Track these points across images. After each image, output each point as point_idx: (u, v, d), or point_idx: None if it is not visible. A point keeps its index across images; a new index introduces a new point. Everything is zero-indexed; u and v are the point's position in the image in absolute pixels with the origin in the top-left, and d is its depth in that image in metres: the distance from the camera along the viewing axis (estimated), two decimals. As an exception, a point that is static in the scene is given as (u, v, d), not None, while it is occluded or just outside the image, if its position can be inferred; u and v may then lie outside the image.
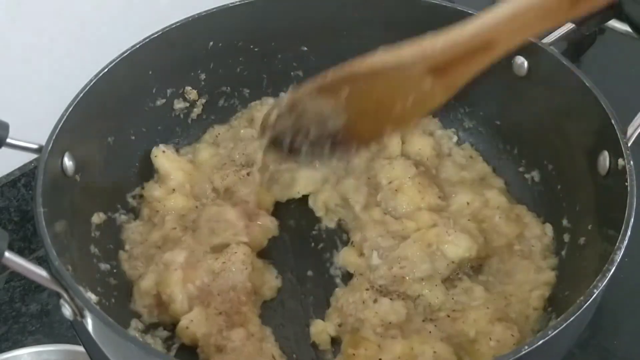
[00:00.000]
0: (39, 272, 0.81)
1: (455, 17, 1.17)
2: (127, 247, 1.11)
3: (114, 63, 1.08)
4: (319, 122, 0.95)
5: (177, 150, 1.25)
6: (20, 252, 0.88)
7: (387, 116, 0.93)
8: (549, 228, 1.10)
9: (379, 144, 0.99)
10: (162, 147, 1.19)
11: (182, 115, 1.26)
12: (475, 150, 1.26)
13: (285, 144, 0.98)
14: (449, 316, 0.99)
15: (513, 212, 1.13)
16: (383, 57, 0.91)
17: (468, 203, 1.14)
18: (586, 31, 1.09)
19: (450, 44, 0.86)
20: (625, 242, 0.83)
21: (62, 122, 0.97)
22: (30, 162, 1.30)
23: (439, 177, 1.21)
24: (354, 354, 0.94)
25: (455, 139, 1.28)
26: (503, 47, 0.85)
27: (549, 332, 0.74)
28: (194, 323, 0.98)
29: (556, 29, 1.01)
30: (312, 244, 1.16)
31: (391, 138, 0.99)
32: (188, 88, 1.25)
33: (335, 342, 1.01)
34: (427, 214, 1.11)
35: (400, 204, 1.13)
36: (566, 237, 1.06)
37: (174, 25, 1.16)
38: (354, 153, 0.99)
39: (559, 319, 0.76)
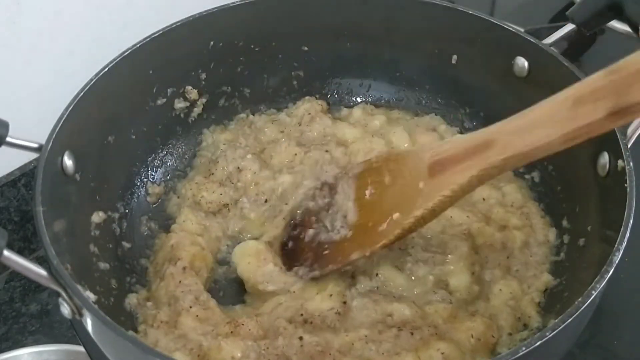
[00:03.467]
0: (37, 271, 0.81)
1: (455, 17, 1.19)
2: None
3: (114, 63, 1.08)
4: (333, 219, 1.06)
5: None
6: (20, 252, 0.87)
7: (375, 231, 0.99)
8: (552, 234, 1.09)
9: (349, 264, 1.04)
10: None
11: (182, 115, 1.26)
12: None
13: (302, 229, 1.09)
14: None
15: (523, 212, 1.13)
16: (406, 150, 1.09)
17: (484, 199, 1.14)
18: (587, 32, 1.09)
19: (454, 141, 0.97)
20: (624, 244, 0.83)
21: (62, 121, 0.97)
22: (30, 162, 1.30)
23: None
24: None
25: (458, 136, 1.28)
26: (498, 151, 0.87)
27: (547, 333, 0.74)
28: None
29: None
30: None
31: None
32: (188, 87, 1.24)
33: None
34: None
35: None
36: (566, 239, 1.06)
37: (174, 25, 1.16)
38: (327, 269, 1.03)
39: (557, 320, 0.75)
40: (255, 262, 1.07)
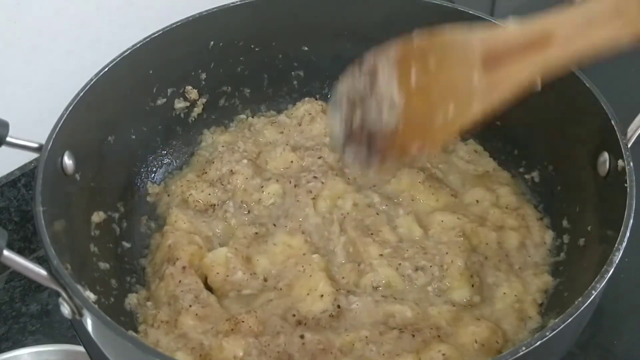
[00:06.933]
0: (37, 271, 0.81)
1: (455, 17, 1.19)
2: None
3: (114, 62, 1.08)
4: (379, 106, 0.93)
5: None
6: (20, 252, 0.88)
7: (430, 123, 0.91)
8: (549, 236, 1.10)
9: (408, 159, 0.98)
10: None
11: (182, 115, 1.26)
12: (479, 145, 1.27)
13: (346, 114, 0.97)
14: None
15: (519, 214, 1.13)
16: (451, 32, 0.91)
17: (477, 201, 1.14)
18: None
19: (508, 31, 0.86)
20: (624, 243, 0.83)
21: (62, 121, 0.97)
22: (30, 162, 1.30)
23: (447, 177, 1.21)
24: None
25: (458, 137, 1.28)
26: (560, 47, 0.79)
27: (547, 333, 0.74)
28: None
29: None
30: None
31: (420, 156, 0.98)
32: (189, 87, 1.25)
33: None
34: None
35: (418, 209, 1.14)
36: (566, 238, 1.06)
37: (174, 25, 1.16)
38: (385, 164, 0.95)
39: (557, 320, 0.76)
40: (224, 271, 1.05)
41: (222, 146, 1.25)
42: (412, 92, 0.91)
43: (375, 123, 0.93)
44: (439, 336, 0.94)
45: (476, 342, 0.94)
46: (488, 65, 0.85)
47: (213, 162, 1.21)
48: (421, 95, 0.91)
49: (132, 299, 1.04)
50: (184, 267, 1.04)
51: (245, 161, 1.20)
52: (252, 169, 1.20)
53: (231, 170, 1.19)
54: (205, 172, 1.21)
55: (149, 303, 1.04)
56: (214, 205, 1.17)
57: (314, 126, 1.28)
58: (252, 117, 1.33)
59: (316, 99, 1.34)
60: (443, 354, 0.91)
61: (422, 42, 0.93)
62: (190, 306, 0.99)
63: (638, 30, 0.74)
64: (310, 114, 1.29)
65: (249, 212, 1.16)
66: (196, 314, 0.98)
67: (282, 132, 1.28)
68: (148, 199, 1.20)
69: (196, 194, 1.17)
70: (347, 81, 0.99)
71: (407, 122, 0.92)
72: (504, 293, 1.01)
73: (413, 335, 0.95)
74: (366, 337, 0.94)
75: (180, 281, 1.02)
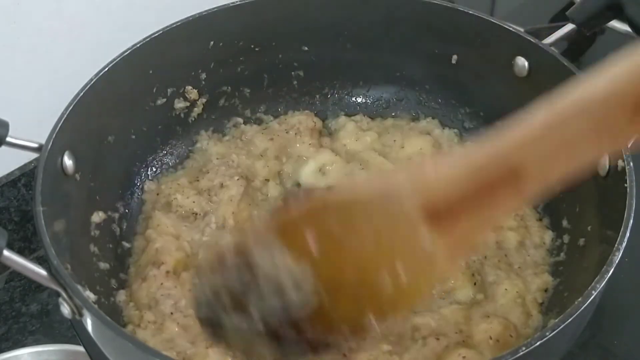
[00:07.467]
0: (37, 270, 0.81)
1: (455, 17, 1.19)
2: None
3: (114, 62, 1.08)
4: (278, 292, 0.64)
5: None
6: (20, 252, 0.88)
7: (371, 294, 0.64)
8: (548, 237, 1.10)
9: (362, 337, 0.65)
10: None
11: (182, 115, 1.26)
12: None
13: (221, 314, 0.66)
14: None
15: (517, 214, 1.12)
16: (363, 184, 0.67)
17: None
18: (587, 32, 1.09)
19: (457, 168, 0.60)
20: (624, 243, 0.83)
21: (62, 121, 0.97)
22: (30, 162, 1.30)
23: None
24: None
25: (455, 139, 1.28)
26: (535, 179, 0.59)
27: (547, 334, 0.74)
28: None
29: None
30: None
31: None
32: (189, 87, 1.24)
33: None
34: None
35: None
36: (566, 238, 1.06)
37: (174, 25, 1.16)
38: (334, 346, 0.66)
39: (557, 320, 0.76)
40: None
41: (217, 158, 1.24)
42: (320, 260, 0.64)
43: (283, 310, 0.64)
44: (463, 341, 0.94)
45: (491, 338, 0.94)
46: (439, 222, 0.60)
47: (208, 173, 1.21)
48: (336, 260, 0.65)
49: (121, 296, 1.03)
50: (167, 272, 1.03)
51: (237, 178, 1.19)
52: (243, 187, 1.18)
53: (222, 184, 1.18)
54: (198, 180, 1.20)
55: (131, 304, 1.03)
56: (196, 214, 1.15)
57: (304, 139, 1.27)
58: (245, 124, 1.32)
59: (315, 114, 1.33)
60: (463, 357, 0.91)
61: (305, 207, 0.66)
62: (171, 313, 0.98)
63: (623, 145, 0.61)
64: (301, 124, 1.29)
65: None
66: (178, 322, 0.97)
67: (272, 139, 1.27)
68: (144, 197, 1.20)
69: (181, 199, 1.15)
70: (211, 281, 0.67)
71: (332, 294, 0.64)
72: (506, 289, 1.01)
73: (437, 339, 0.94)
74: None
75: (162, 284, 1.01)
